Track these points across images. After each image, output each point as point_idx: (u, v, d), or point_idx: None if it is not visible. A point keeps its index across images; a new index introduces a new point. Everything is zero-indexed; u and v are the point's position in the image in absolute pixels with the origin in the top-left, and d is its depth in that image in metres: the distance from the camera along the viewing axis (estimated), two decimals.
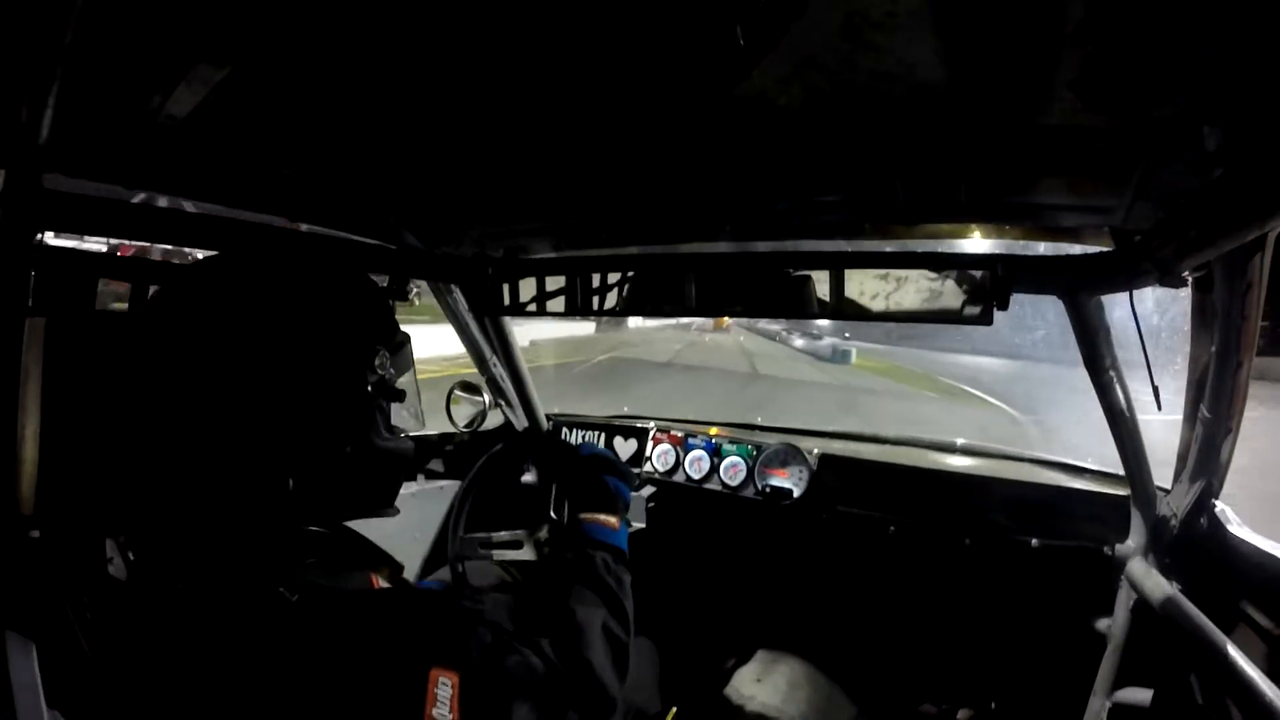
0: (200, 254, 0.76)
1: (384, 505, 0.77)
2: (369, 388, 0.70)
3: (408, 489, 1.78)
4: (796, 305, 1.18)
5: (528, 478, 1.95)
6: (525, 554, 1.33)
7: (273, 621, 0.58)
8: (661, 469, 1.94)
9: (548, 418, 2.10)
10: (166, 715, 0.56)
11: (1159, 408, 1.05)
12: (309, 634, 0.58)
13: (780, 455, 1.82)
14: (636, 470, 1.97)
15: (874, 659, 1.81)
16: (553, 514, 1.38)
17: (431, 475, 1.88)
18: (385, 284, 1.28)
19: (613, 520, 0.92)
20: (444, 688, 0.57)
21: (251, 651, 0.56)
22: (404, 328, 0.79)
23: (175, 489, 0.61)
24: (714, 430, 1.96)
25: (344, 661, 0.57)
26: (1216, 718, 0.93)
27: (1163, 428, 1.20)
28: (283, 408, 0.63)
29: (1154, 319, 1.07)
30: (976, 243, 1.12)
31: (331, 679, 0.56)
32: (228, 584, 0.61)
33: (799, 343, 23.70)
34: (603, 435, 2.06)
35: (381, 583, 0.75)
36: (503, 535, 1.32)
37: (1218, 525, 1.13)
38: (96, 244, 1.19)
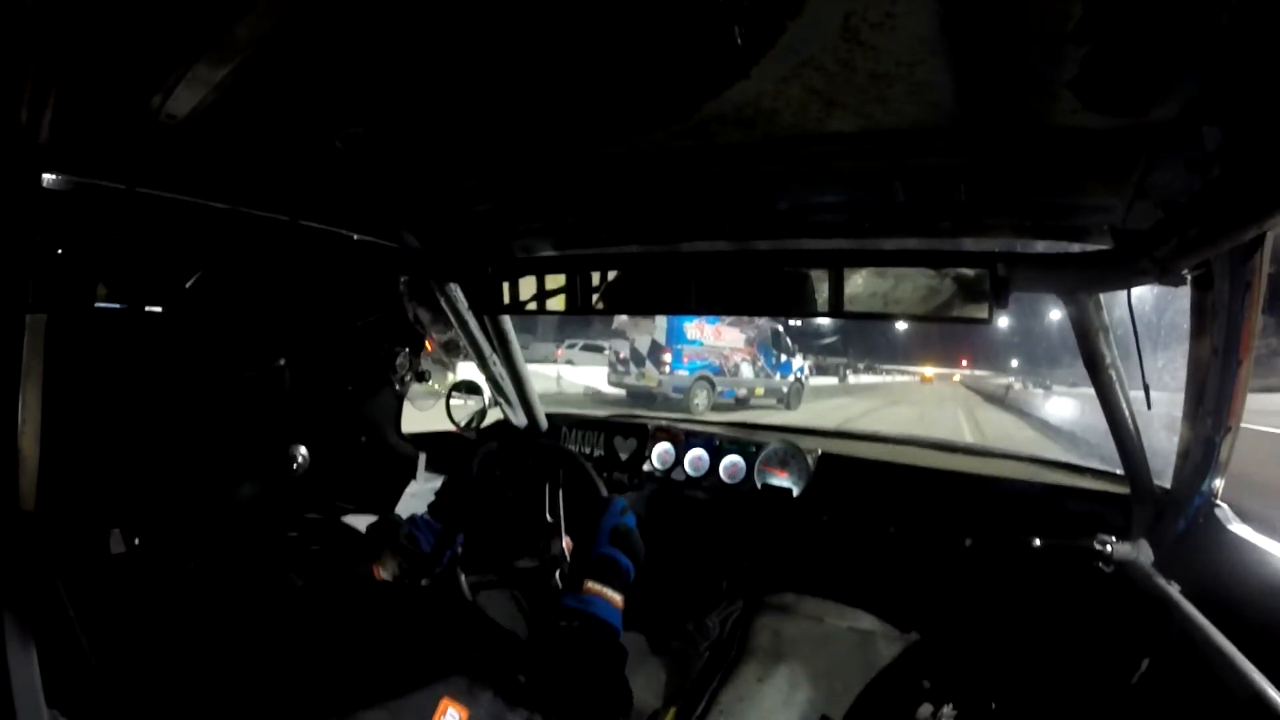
0: None
1: (386, 506, 0.78)
2: (393, 385, 0.71)
3: (407, 489, 1.79)
4: (796, 304, 1.18)
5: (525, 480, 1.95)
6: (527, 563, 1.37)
7: (280, 606, 0.59)
8: (661, 468, 1.94)
9: (547, 417, 2.10)
10: (173, 699, 0.56)
11: (1149, 406, 1.05)
12: (318, 620, 0.59)
13: (780, 455, 1.82)
14: (635, 469, 1.97)
15: (874, 659, 1.81)
16: (548, 517, 1.39)
17: (431, 475, 1.88)
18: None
19: (618, 599, 0.94)
20: (452, 717, 0.59)
21: (260, 634, 0.57)
22: None
23: (188, 474, 0.62)
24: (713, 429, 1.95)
25: (355, 656, 0.57)
26: (1218, 717, 0.93)
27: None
28: (308, 393, 0.64)
29: (1153, 318, 1.07)
30: (976, 241, 1.12)
31: (340, 670, 0.56)
32: (235, 565, 0.62)
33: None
34: (602, 435, 2.05)
35: (384, 574, 0.76)
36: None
37: (1217, 525, 1.13)
38: None
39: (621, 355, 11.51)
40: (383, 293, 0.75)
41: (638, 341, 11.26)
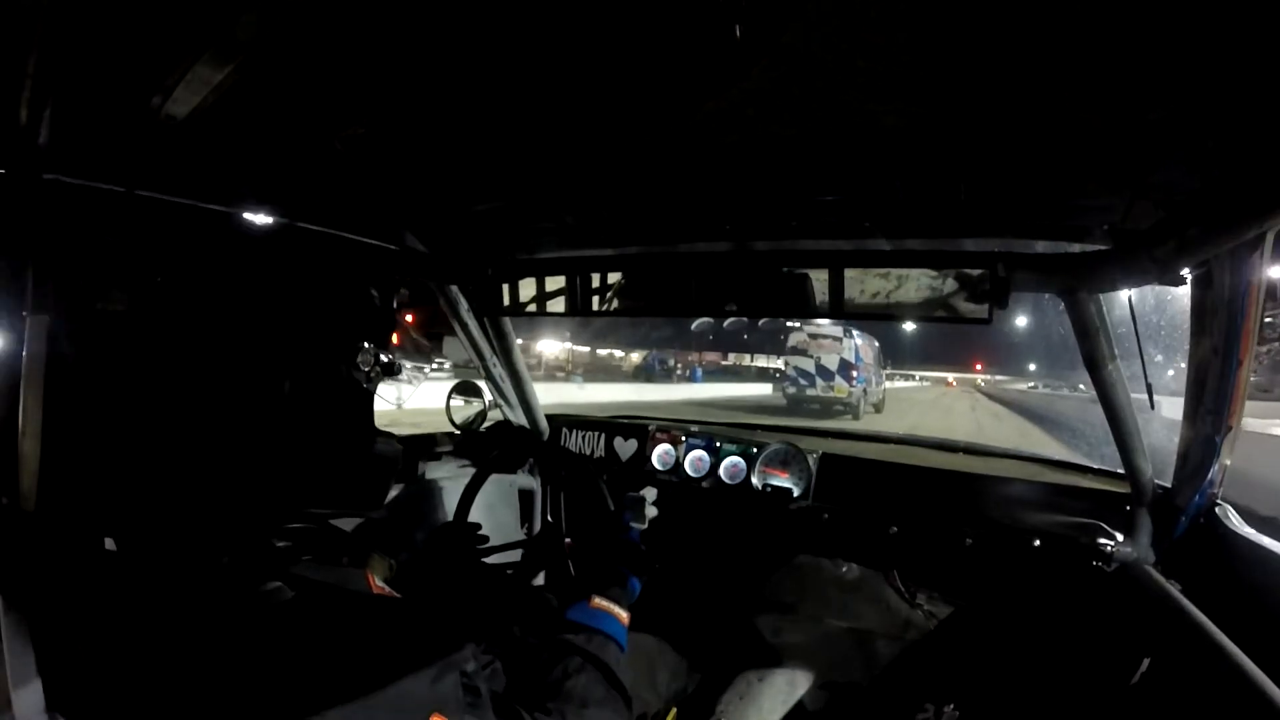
0: None
1: (369, 506, 0.76)
2: (349, 380, 0.70)
3: (407, 490, 1.79)
4: (797, 304, 1.18)
5: (526, 481, 1.96)
6: (515, 557, 1.38)
7: (268, 620, 0.58)
8: (661, 468, 1.94)
9: (547, 418, 2.10)
10: (165, 714, 0.56)
11: (1152, 406, 1.05)
12: (306, 634, 0.58)
13: (780, 455, 1.82)
14: (635, 471, 1.97)
15: (874, 659, 1.81)
16: (549, 518, 1.40)
17: (430, 475, 1.88)
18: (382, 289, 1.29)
19: (624, 616, 0.95)
20: None
21: (249, 649, 0.56)
22: None
23: (163, 481, 0.62)
24: (713, 429, 1.96)
25: (342, 672, 0.56)
26: (1218, 717, 0.93)
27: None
28: (256, 397, 0.63)
29: (1153, 318, 1.07)
30: (976, 242, 1.12)
31: (327, 686, 0.56)
32: (222, 579, 0.61)
33: None
34: (602, 435, 2.05)
35: (378, 582, 0.75)
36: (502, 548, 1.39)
37: (1218, 524, 1.13)
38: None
39: (802, 369, 14.24)
40: (342, 287, 0.74)
41: (824, 359, 14.03)
